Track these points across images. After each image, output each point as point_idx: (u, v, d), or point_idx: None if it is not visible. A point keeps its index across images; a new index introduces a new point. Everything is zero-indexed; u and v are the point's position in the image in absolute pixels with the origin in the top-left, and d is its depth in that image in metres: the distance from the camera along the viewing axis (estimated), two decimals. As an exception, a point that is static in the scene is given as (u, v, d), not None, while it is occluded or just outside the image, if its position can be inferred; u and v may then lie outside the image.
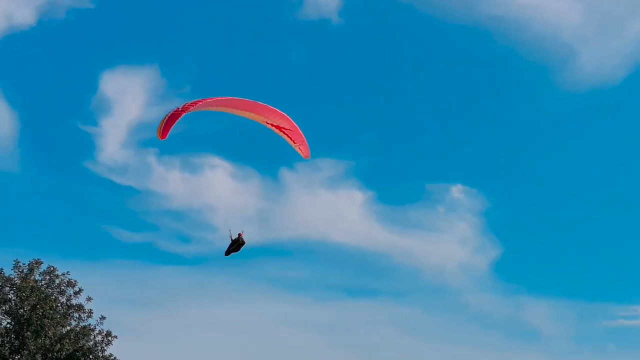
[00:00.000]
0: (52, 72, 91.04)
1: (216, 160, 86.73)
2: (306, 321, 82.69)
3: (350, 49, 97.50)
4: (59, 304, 36.77)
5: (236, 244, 23.68)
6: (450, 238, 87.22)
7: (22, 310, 35.92)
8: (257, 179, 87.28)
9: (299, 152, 23.03)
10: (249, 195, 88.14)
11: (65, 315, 36.72)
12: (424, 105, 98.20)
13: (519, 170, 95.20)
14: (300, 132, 22.59)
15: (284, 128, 22.67)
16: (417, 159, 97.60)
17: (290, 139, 22.84)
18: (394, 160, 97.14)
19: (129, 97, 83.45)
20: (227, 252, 23.92)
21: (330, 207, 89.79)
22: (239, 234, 23.61)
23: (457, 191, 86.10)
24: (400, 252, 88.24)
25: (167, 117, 21.02)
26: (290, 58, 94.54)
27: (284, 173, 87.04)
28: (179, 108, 20.97)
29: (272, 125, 22.37)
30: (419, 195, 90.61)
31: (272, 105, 22.84)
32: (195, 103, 21.11)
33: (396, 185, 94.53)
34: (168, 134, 21.08)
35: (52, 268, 37.67)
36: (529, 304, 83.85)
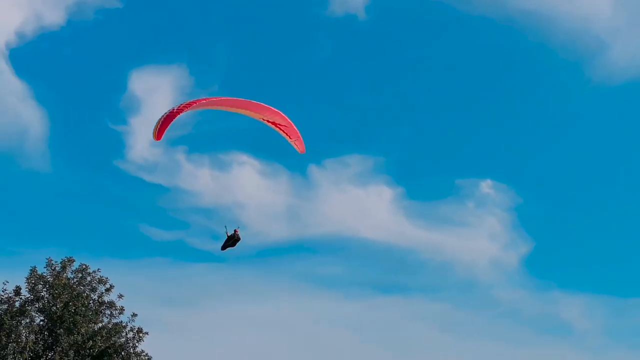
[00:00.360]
0: (82, 72, 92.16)
1: (244, 158, 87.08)
2: (337, 318, 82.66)
3: (376, 45, 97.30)
4: (90, 301, 37.09)
5: (232, 240, 24.74)
6: (480, 233, 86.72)
7: (54, 308, 36.31)
8: (286, 175, 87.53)
9: (295, 147, 23.92)
10: (278, 192, 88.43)
11: (97, 313, 37.02)
12: (452, 101, 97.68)
13: (549, 165, 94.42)
14: (295, 128, 23.48)
15: (280, 124, 23.57)
16: (446, 155, 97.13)
17: (287, 134, 23.77)
18: (423, 156, 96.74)
19: (157, 95, 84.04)
20: (223, 247, 24.97)
21: (359, 204, 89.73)
22: (235, 230, 24.77)
23: (486, 186, 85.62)
24: (430, 248, 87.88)
25: (162, 119, 21.62)
26: (317, 55, 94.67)
27: (313, 169, 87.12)
28: (173, 109, 21.62)
29: (268, 122, 23.28)
30: (448, 191, 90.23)
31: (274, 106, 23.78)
32: (190, 104, 21.89)
33: (425, 181, 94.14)
34: (163, 135, 21.65)
35: (84, 266, 38.04)
36: (561, 299, 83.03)
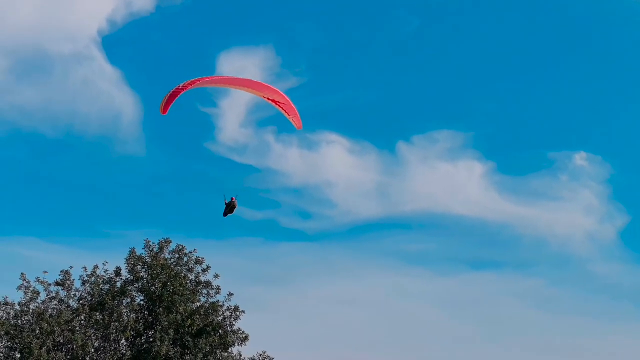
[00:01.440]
0: (171, 56, 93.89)
1: (333, 136, 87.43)
2: (428, 294, 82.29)
3: (462, 18, 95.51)
4: (188, 281, 37.72)
5: (230, 207, 26.72)
6: (574, 207, 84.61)
7: (153, 288, 37.11)
8: (375, 153, 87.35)
9: (293, 123, 25.33)
10: (367, 169, 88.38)
11: (195, 292, 37.61)
12: (542, 71, 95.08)
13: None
14: (293, 105, 24.76)
15: (279, 102, 24.91)
16: (538, 127, 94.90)
17: (285, 111, 25.11)
18: (513, 129, 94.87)
19: (245, 77, 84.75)
20: (225, 214, 27.07)
21: (449, 179, 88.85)
22: (232, 198, 26.81)
23: (580, 159, 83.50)
24: (523, 223, 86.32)
25: (168, 95, 23.11)
26: (403, 30, 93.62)
27: (401, 146, 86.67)
28: (179, 86, 23.05)
29: (268, 99, 24.64)
30: (540, 164, 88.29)
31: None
32: (194, 81, 23.23)
33: (517, 155, 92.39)
34: (168, 110, 23.25)
35: (180, 246, 38.66)
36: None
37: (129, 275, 37.79)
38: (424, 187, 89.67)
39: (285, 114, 25.50)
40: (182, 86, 23.37)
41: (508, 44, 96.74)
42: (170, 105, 23.41)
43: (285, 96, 24.95)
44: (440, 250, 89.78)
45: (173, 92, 23.34)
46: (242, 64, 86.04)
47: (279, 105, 25.27)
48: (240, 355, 37.24)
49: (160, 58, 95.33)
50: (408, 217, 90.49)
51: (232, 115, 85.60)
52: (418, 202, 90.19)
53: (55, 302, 36.49)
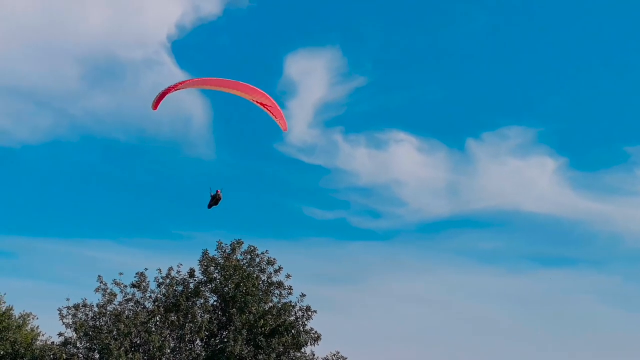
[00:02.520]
0: (239, 59, 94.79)
1: (401, 135, 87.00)
2: (501, 292, 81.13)
3: (530, 13, 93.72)
4: (260, 282, 37.94)
5: (215, 199, 27.75)
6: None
7: (226, 289, 37.46)
8: (444, 151, 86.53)
9: (279, 124, 26.23)
10: (436, 167, 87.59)
11: (267, 292, 37.80)
12: (615, 63, 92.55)
13: None
14: (279, 108, 26.09)
15: (266, 105, 26.09)
16: (612, 121, 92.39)
17: (272, 114, 25.96)
18: (586, 123, 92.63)
19: (312, 78, 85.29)
20: (209, 206, 28.33)
21: (520, 176, 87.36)
22: (217, 191, 27.97)
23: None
24: (597, 219, 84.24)
25: (160, 94, 24.59)
26: (472, 27, 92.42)
27: (471, 143, 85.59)
28: (171, 86, 24.41)
29: (257, 102, 25.46)
30: (616, 159, 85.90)
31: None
32: (185, 82, 24.50)
33: (590, 150, 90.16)
34: (157, 107, 25.06)
35: (252, 247, 38.93)
36: None
37: (202, 277, 38.25)
38: (494, 184, 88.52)
39: (273, 117, 26.39)
40: (174, 86, 24.77)
41: (578, 36, 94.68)
42: (160, 103, 25.13)
43: (272, 99, 26.06)
44: (511, 247, 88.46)
45: (164, 92, 24.81)
46: (309, 65, 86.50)
47: (267, 108, 26.26)
48: (314, 355, 37.24)
49: (228, 61, 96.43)
50: (478, 215, 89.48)
51: (300, 116, 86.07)
52: (488, 199, 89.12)
53: (132, 303, 37.22)
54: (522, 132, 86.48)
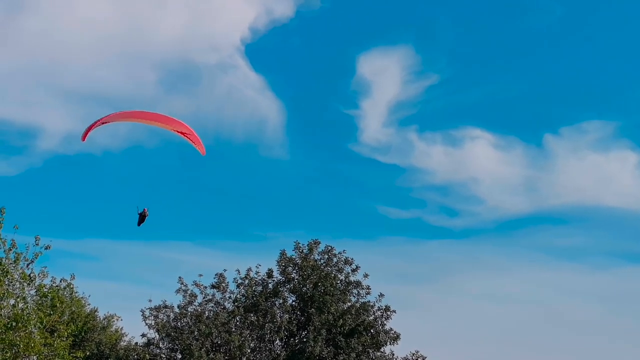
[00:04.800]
0: (312, 60, 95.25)
1: (477, 132, 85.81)
2: (583, 290, 79.18)
3: (604, 2, 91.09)
4: (338, 282, 37.85)
5: (141, 217, 28.74)
6: None
7: (305, 289, 37.51)
8: (521, 147, 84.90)
9: (198, 150, 27.75)
10: (514, 164, 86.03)
11: (345, 292, 37.69)
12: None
13: None
14: (196, 134, 27.48)
15: (185, 133, 27.33)
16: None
17: (191, 140, 27.50)
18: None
19: (385, 77, 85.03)
20: (138, 224, 29.02)
21: (600, 171, 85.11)
22: (144, 209, 28.70)
23: None
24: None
25: (87, 127, 25.92)
26: (547, 19, 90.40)
27: (548, 139, 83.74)
28: (97, 121, 25.86)
29: (177, 131, 27.16)
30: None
31: None
32: (111, 116, 26.04)
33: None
34: (85, 139, 26.08)
35: (329, 247, 38.90)
36: None
37: (280, 277, 38.39)
38: (574, 180, 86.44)
39: (193, 144, 27.75)
40: (100, 120, 26.00)
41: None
42: (87, 135, 26.16)
43: (189, 127, 27.42)
44: (593, 244, 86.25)
45: (91, 125, 25.99)
46: (382, 64, 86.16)
47: (186, 136, 27.60)
48: (394, 355, 36.97)
49: (302, 63, 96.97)
50: (558, 211, 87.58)
51: (374, 115, 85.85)
52: (567, 195, 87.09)
53: (212, 304, 37.60)
54: (601, 126, 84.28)
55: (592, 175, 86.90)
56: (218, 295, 37.88)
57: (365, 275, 38.25)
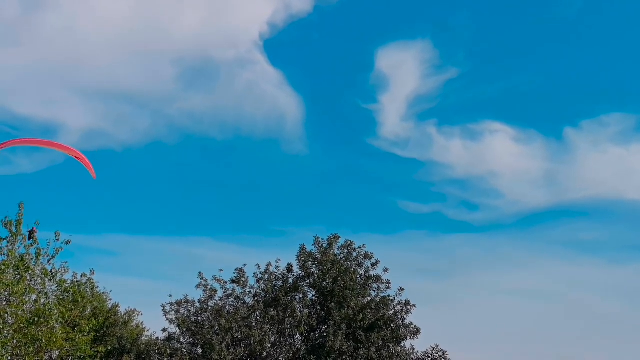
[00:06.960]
0: (331, 55, 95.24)
1: (497, 125, 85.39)
2: (603, 284, 78.55)
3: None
4: (358, 276, 37.79)
5: (30, 234, 29.99)
6: None
7: (324, 283, 37.49)
8: (540, 140, 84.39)
9: (90, 173, 29.68)
10: (534, 157, 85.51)
11: (365, 287, 37.64)
12: None
13: None
14: (87, 159, 29.38)
15: (79, 157, 29.19)
16: None
17: (85, 164, 29.31)
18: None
19: (404, 71, 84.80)
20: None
21: (622, 164, 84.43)
22: (33, 228, 29.89)
23: None
24: None
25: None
26: (566, 11, 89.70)
27: (569, 132, 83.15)
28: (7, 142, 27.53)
29: (74, 156, 29.07)
30: None
31: None
32: (14, 140, 27.91)
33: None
34: None
35: (349, 242, 38.81)
36: None
37: (300, 272, 38.39)
38: (595, 173, 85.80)
39: (87, 167, 29.50)
40: (4, 143, 27.37)
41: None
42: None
43: (78, 151, 29.35)
44: (614, 237, 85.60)
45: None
46: (400, 58, 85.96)
47: (80, 160, 29.30)
48: (414, 349, 36.87)
49: (320, 57, 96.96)
50: (579, 205, 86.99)
51: (393, 109, 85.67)
52: (589, 188, 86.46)
53: (232, 299, 37.68)
54: (622, 118, 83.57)
55: (613, 168, 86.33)
56: (238, 290, 37.96)
57: (385, 270, 38.20)
